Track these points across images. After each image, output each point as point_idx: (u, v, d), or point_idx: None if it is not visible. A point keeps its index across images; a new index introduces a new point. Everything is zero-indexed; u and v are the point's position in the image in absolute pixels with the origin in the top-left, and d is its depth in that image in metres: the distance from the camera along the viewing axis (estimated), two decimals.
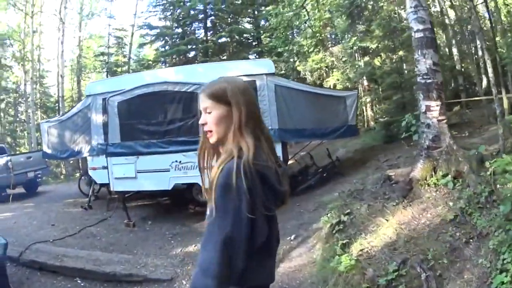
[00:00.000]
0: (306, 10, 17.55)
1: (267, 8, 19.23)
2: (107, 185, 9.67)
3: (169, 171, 8.72)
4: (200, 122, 1.97)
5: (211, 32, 22.23)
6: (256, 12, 22.58)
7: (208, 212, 1.80)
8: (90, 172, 10.27)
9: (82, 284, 5.55)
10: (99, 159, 9.66)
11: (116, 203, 9.56)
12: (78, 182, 12.43)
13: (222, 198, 1.72)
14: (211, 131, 1.92)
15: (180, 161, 8.64)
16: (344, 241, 5.13)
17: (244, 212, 1.68)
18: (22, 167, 13.34)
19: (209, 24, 22.28)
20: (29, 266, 6.54)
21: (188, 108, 8.68)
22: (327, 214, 6.10)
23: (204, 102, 1.94)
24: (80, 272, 5.75)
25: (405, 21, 12.32)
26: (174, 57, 21.76)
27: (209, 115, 1.92)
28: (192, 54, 21.81)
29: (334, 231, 5.53)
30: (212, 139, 1.93)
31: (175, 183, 8.91)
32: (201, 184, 2.20)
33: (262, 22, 22.35)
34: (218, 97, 1.91)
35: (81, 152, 10.79)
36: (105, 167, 9.12)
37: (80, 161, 17.60)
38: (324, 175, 9.99)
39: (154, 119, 9.07)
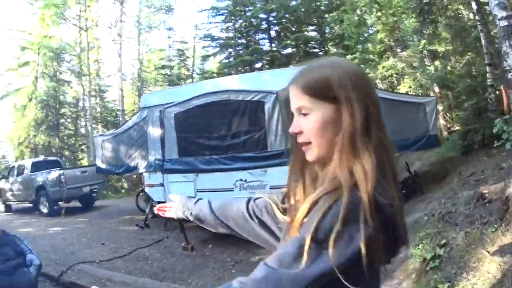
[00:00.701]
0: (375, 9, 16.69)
1: (331, 15, 18.66)
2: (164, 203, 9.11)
3: (233, 190, 7.82)
4: (291, 129, 1.20)
5: (276, 42, 21.71)
6: (320, 20, 21.73)
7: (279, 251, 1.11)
8: (147, 189, 9.74)
9: None
10: (157, 175, 9.09)
11: (174, 222, 8.90)
12: (136, 198, 12.00)
13: (314, 251, 1.03)
14: (308, 143, 1.17)
15: (245, 180, 7.80)
16: (445, 286, 4.13)
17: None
18: (76, 181, 13.30)
19: (273, 34, 21.90)
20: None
21: (254, 119, 7.80)
22: (418, 245, 5.09)
23: (297, 99, 1.18)
24: None
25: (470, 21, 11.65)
26: (239, 68, 21.25)
27: (306, 119, 1.16)
28: (258, 65, 21.34)
29: (427, 268, 4.55)
30: (311, 155, 1.18)
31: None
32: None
33: (327, 30, 21.63)
34: (319, 91, 1.14)
35: (137, 168, 10.37)
36: (162, 184, 8.59)
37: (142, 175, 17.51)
38: (403, 191, 8.89)
39: (215, 133, 8.27)
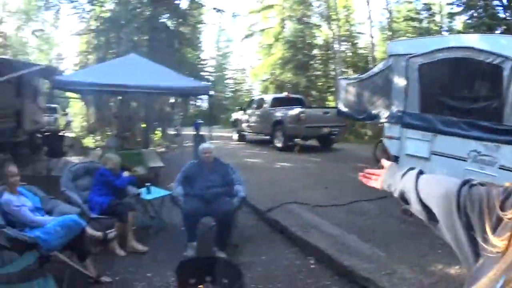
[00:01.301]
0: None
1: None
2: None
3: (466, 161, 6.84)
4: None
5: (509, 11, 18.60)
6: None
7: None
8: (385, 141, 9.34)
9: (312, 267, 4.70)
10: (396, 128, 8.60)
11: None
12: (374, 147, 11.69)
13: None
14: None
15: (479, 152, 6.73)
16: None
17: None
18: (316, 121, 13.55)
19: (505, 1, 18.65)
20: (271, 225, 6.23)
21: (491, 85, 6.61)
22: None
23: None
24: (317, 253, 4.86)
25: None
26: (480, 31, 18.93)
27: None
28: (496, 32, 18.43)
29: None
30: None
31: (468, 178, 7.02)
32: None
33: None
34: None
35: (379, 117, 9.98)
36: (399, 139, 8.07)
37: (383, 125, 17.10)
38: None
39: (455, 92, 7.27)
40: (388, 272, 3.99)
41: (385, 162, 1.56)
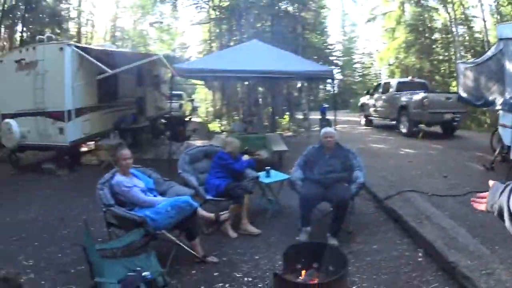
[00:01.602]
0: None
1: None
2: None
3: None
4: None
5: None
6: None
7: None
8: (500, 129, 8.61)
9: (419, 259, 4.51)
10: (509, 116, 7.90)
11: None
12: (491, 136, 10.81)
13: None
14: None
15: None
16: None
17: None
18: (439, 107, 12.86)
19: None
20: (388, 214, 6.07)
21: None
22: None
23: None
24: (426, 246, 4.63)
25: None
26: None
27: None
28: None
29: None
30: None
31: None
32: None
33: None
34: None
35: (494, 103, 9.27)
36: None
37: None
38: None
39: None
40: (488, 271, 3.73)
41: (490, 182, 1.53)
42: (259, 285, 4.10)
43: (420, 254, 4.59)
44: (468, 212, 5.50)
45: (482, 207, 1.53)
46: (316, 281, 3.70)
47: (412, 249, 4.78)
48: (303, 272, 3.87)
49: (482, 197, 1.54)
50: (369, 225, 5.74)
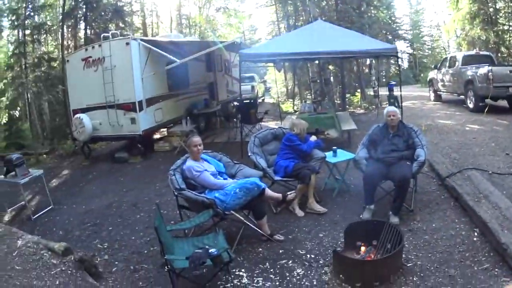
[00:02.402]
0: None
1: None
2: None
3: None
4: None
5: None
6: None
7: None
8: None
9: (474, 239, 4.44)
10: None
11: None
12: None
13: None
14: None
15: None
16: None
17: None
18: (504, 80, 11.97)
19: None
20: (449, 192, 5.88)
21: None
22: None
23: None
24: (482, 226, 4.52)
25: None
26: None
27: None
28: None
29: None
30: None
31: None
32: None
33: None
34: None
35: None
36: None
37: None
38: None
39: None
40: None
41: None
42: (321, 262, 4.22)
43: (475, 234, 4.53)
44: None
45: None
46: (371, 258, 3.86)
47: (469, 228, 4.72)
48: (363, 249, 4.03)
49: None
50: (430, 203, 5.66)
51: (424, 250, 4.30)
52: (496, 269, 3.77)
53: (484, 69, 12.28)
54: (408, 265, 4.00)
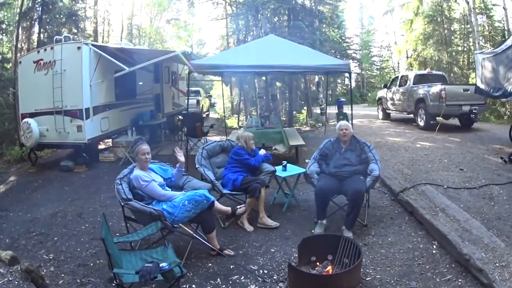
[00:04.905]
0: None
1: None
2: None
3: None
4: None
5: None
6: None
7: None
8: None
9: (434, 252, 4.49)
10: None
11: None
12: (510, 129, 10.57)
13: None
14: None
15: None
16: None
17: None
18: (457, 99, 12.56)
19: None
20: (403, 206, 6.04)
21: None
22: None
23: None
24: (441, 238, 4.62)
25: None
26: None
27: None
28: None
29: None
30: None
31: None
32: None
33: None
34: None
35: None
36: None
37: None
38: None
39: None
40: (503, 264, 3.73)
41: None
42: (275, 277, 4.13)
43: (434, 247, 4.59)
44: (483, 205, 5.48)
45: None
46: (329, 272, 3.75)
47: (427, 241, 4.78)
48: (318, 263, 3.92)
49: None
50: (384, 217, 5.74)
51: (382, 264, 4.29)
52: (460, 279, 3.81)
53: (436, 88, 12.85)
54: (367, 279, 3.97)
